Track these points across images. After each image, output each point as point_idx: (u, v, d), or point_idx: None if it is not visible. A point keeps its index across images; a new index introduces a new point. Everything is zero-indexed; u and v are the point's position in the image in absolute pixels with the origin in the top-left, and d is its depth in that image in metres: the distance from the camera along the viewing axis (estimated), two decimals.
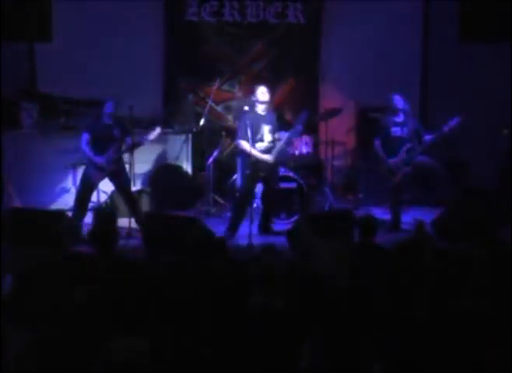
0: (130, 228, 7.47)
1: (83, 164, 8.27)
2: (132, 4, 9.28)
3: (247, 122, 7.23)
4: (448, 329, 4.12)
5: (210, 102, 8.89)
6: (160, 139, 8.64)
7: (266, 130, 7.38)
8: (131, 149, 7.54)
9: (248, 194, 7.46)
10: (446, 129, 7.43)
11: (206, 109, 8.85)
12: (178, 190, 8.74)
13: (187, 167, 9.03)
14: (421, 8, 9.77)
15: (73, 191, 8.61)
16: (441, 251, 5.41)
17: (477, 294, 4.49)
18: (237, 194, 7.79)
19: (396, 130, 7.70)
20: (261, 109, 7.38)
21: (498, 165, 8.96)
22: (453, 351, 4.02)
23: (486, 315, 4.19)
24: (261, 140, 7.37)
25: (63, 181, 8.63)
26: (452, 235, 7.06)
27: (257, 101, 7.37)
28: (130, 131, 7.58)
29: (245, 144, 7.29)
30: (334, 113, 8.58)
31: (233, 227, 7.45)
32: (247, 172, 7.45)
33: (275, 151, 7.36)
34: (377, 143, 7.76)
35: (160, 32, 9.51)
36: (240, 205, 7.51)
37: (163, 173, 8.75)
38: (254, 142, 7.26)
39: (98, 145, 7.52)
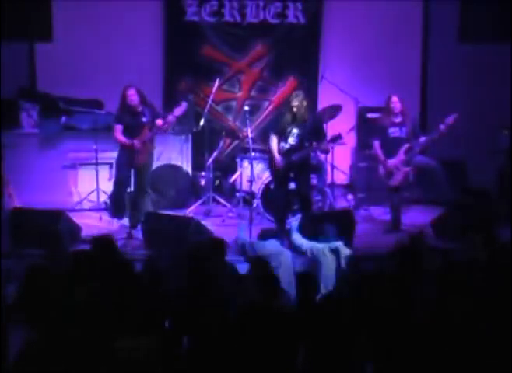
0: (130, 228, 7.46)
1: (85, 163, 8.31)
2: (132, 4, 9.28)
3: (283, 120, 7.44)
4: (444, 330, 4.12)
5: (210, 102, 8.89)
6: (160, 139, 8.66)
7: (294, 132, 7.40)
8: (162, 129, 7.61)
9: (279, 192, 7.58)
10: (443, 128, 7.43)
11: (206, 109, 8.85)
12: (178, 190, 8.75)
13: (187, 167, 9.03)
14: (421, 8, 9.77)
15: (73, 191, 8.64)
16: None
17: (476, 294, 4.49)
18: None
19: (394, 131, 7.70)
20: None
21: (498, 165, 8.96)
22: (449, 352, 4.02)
23: (484, 315, 4.19)
24: (286, 140, 7.42)
25: (63, 181, 8.63)
26: (452, 235, 7.07)
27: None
28: (158, 113, 7.67)
29: (273, 140, 7.44)
30: (334, 111, 8.65)
31: (281, 222, 7.54)
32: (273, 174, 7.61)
33: (293, 156, 7.38)
34: (376, 144, 7.75)
35: (160, 32, 9.50)
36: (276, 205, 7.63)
37: (163, 173, 8.75)
38: (281, 140, 7.41)
39: (130, 133, 7.54)
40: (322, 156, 8.56)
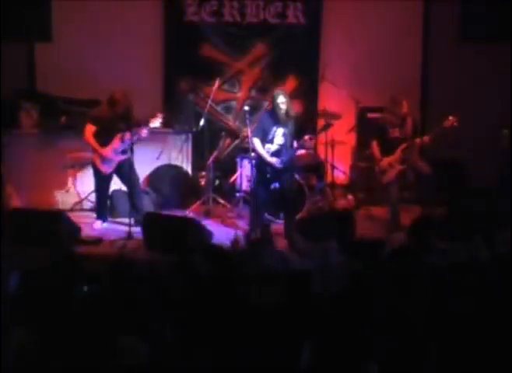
0: (130, 228, 7.47)
1: (85, 163, 8.30)
2: (132, 4, 9.29)
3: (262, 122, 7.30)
4: (446, 330, 4.12)
5: (210, 102, 8.89)
6: (160, 139, 8.67)
7: (279, 132, 7.34)
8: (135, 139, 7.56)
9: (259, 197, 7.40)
10: (438, 130, 7.49)
11: (206, 109, 8.85)
12: (178, 190, 8.74)
13: (187, 167, 9.03)
14: (421, 8, 9.76)
15: (73, 191, 8.64)
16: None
17: (476, 295, 4.49)
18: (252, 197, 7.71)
19: (394, 131, 7.72)
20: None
21: (498, 165, 8.96)
22: (450, 352, 4.02)
23: (485, 316, 4.19)
24: (271, 141, 7.34)
25: (63, 181, 8.63)
26: (452, 235, 7.06)
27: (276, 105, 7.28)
28: (134, 122, 7.63)
29: (257, 143, 7.27)
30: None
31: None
32: (258, 174, 7.38)
33: (283, 156, 7.29)
34: (374, 143, 7.78)
35: (160, 32, 9.51)
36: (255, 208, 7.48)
37: (163, 173, 8.75)
38: (265, 142, 7.26)
39: (103, 137, 7.56)
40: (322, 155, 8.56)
